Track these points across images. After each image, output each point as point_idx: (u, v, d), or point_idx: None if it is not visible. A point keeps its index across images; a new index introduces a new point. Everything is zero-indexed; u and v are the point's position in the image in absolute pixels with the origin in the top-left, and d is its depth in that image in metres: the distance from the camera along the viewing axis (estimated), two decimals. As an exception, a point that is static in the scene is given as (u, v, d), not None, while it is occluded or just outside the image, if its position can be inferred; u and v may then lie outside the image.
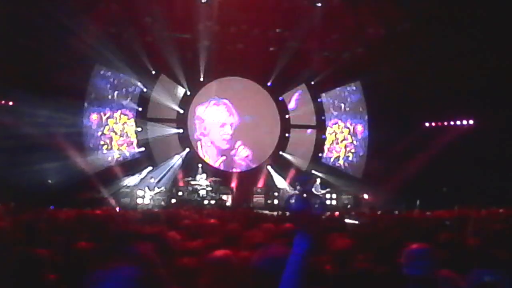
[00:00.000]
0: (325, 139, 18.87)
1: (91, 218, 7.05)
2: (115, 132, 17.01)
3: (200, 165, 16.28)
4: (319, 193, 16.44)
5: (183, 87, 17.58)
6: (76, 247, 3.61)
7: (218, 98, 18.12)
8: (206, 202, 15.49)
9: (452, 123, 17.39)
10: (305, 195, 1.79)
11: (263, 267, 2.03)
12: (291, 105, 18.74)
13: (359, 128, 18.79)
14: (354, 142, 18.83)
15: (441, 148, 15.38)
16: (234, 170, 18.01)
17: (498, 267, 2.58)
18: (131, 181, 16.17)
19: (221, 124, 18.18)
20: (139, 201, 15.36)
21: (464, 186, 14.15)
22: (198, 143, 17.94)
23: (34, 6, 12.63)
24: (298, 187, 16.29)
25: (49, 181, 14.28)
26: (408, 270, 2.79)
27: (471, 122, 16.91)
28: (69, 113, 14.66)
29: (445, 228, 5.78)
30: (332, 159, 18.87)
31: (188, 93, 17.73)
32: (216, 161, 17.98)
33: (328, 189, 16.69)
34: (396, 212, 12.10)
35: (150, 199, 15.40)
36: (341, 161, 18.80)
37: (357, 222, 7.47)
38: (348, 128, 18.90)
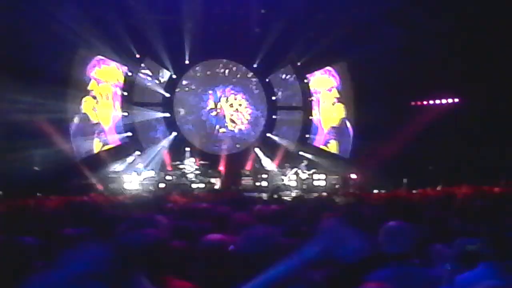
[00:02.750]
0: (311, 119, 18.90)
1: (78, 204, 7.03)
2: (101, 117, 16.82)
3: (188, 149, 16.25)
4: (305, 174, 16.57)
5: (168, 70, 17.42)
6: (63, 233, 3.60)
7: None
8: (195, 186, 15.51)
9: (438, 101, 17.52)
10: None
11: (248, 249, 2.05)
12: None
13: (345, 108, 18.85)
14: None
15: (427, 126, 15.52)
16: (221, 153, 17.98)
17: (479, 237, 2.64)
18: (118, 166, 16.08)
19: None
20: (127, 186, 15.32)
21: (450, 164, 14.35)
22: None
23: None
24: (288, 172, 16.42)
25: (36, 168, 14.14)
26: (386, 248, 2.80)
27: (456, 100, 17.04)
28: (54, 98, 14.43)
29: (432, 206, 5.86)
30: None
31: (174, 76, 17.58)
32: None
33: (314, 170, 16.79)
34: (383, 191, 12.25)
35: (138, 184, 15.36)
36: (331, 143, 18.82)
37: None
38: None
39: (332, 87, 18.87)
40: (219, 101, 18.18)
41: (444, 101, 17.34)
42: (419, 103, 17.75)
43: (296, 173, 16.49)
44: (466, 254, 2.44)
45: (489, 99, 14.36)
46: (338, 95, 18.86)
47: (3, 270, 2.64)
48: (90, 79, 16.41)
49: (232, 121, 18.32)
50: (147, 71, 17.21)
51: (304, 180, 16.46)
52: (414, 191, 10.90)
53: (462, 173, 12.58)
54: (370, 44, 15.04)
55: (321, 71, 18.64)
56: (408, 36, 14.73)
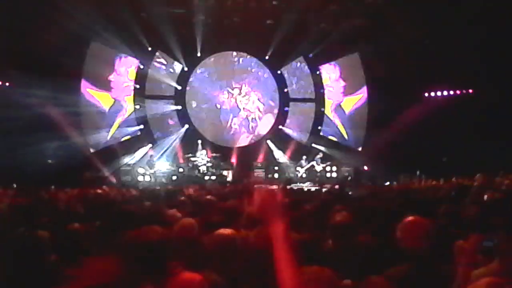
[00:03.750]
0: (323, 111, 18.79)
1: (92, 197, 7.07)
2: (114, 110, 16.90)
3: (200, 141, 16.29)
4: (320, 166, 16.55)
5: (180, 63, 17.42)
6: (74, 228, 3.62)
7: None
8: (207, 178, 15.56)
9: (452, 92, 17.31)
10: None
11: (261, 247, 2.03)
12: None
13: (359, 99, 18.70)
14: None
15: (441, 118, 15.34)
16: (235, 145, 17.98)
17: (496, 233, 2.59)
18: (131, 159, 16.19)
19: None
20: (140, 178, 15.42)
21: (464, 156, 14.17)
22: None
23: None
24: (304, 164, 16.37)
25: (49, 161, 14.28)
26: (404, 244, 2.77)
27: (470, 91, 16.81)
28: (67, 92, 14.52)
29: (446, 199, 5.79)
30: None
31: (186, 69, 17.58)
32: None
33: (328, 163, 16.75)
34: (395, 183, 12.15)
35: (151, 177, 15.44)
36: (343, 132, 18.67)
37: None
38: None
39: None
40: (232, 93, 18.14)
41: (458, 92, 17.12)
42: (432, 94, 17.55)
43: (312, 166, 16.50)
44: (482, 250, 2.39)
45: (502, 91, 14.12)
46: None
47: (16, 263, 2.66)
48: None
49: (246, 112, 18.25)
50: (160, 64, 17.22)
51: (318, 172, 16.44)
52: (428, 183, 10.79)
53: (476, 165, 12.42)
54: (383, 36, 14.87)
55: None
56: (421, 28, 14.53)
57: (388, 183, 12.90)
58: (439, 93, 17.48)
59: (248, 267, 2.56)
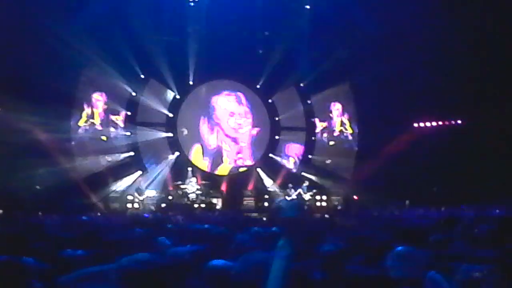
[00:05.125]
0: (314, 140, 18.89)
1: (79, 224, 6.98)
2: (104, 137, 16.84)
3: (190, 169, 16.24)
4: (307, 194, 16.52)
5: (172, 91, 17.50)
6: (63, 254, 3.56)
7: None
8: (196, 205, 15.44)
9: (441, 123, 17.53)
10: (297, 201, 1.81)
11: (246, 275, 2.01)
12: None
13: (349, 129, 18.86)
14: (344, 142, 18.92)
15: (431, 148, 15.49)
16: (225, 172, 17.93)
17: (486, 264, 2.59)
18: (120, 186, 16.05)
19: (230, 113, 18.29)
20: (129, 206, 15.26)
21: (454, 186, 14.26)
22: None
23: (19, 9, 12.52)
24: (292, 193, 16.33)
25: (37, 187, 14.11)
26: (394, 273, 2.76)
27: (459, 122, 17.05)
28: (57, 118, 14.50)
29: (435, 228, 5.79)
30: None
31: (178, 97, 17.66)
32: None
33: (314, 191, 16.73)
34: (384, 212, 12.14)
35: (140, 204, 15.30)
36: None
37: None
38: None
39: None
40: (223, 120, 18.19)
41: (447, 122, 17.35)
42: (421, 124, 17.76)
43: (299, 194, 16.45)
44: (471, 281, 2.39)
45: (492, 120, 14.34)
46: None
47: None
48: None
49: (235, 141, 18.28)
50: (151, 92, 17.27)
51: (306, 201, 16.40)
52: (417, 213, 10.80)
53: (466, 194, 12.50)
54: (373, 65, 15.12)
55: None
56: (411, 57, 14.82)
57: (377, 212, 12.88)
58: (428, 124, 17.69)
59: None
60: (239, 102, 18.39)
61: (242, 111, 18.41)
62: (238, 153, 18.25)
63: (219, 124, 18.12)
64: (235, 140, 18.28)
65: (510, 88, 13.97)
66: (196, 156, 17.79)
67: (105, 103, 16.79)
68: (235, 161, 18.21)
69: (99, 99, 16.73)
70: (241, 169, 18.06)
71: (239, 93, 18.38)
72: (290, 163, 18.58)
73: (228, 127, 18.20)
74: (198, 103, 18.07)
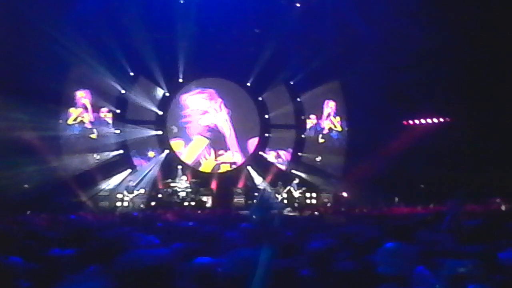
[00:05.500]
0: (304, 138, 18.94)
1: (67, 223, 6.93)
2: (93, 134, 16.75)
3: (179, 167, 16.21)
4: (297, 191, 16.57)
5: (162, 88, 17.43)
6: (51, 254, 3.54)
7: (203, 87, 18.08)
8: (186, 203, 15.41)
9: (429, 120, 17.65)
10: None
11: (232, 271, 2.02)
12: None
13: (338, 126, 18.93)
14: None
15: (419, 145, 15.59)
16: (215, 170, 17.90)
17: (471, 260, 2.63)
18: (109, 184, 15.97)
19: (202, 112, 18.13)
20: (118, 204, 15.19)
21: (441, 183, 14.37)
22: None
23: (6, 7, 12.39)
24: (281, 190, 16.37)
25: (25, 186, 13.99)
26: (382, 269, 2.78)
27: (448, 119, 17.17)
28: (45, 116, 14.38)
29: (423, 224, 5.85)
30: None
31: (167, 94, 17.59)
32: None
33: (304, 188, 16.78)
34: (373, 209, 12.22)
35: (129, 202, 15.23)
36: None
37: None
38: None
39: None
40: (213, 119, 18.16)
41: (435, 120, 17.48)
42: (411, 121, 17.87)
43: (289, 191, 16.49)
44: (456, 276, 2.42)
45: (479, 118, 14.48)
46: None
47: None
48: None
49: (226, 139, 18.27)
50: (141, 89, 17.17)
51: (296, 198, 16.45)
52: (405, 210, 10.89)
53: (453, 192, 12.58)
54: (363, 63, 15.18)
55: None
56: (400, 55, 14.89)
57: (366, 209, 12.96)
58: (417, 121, 17.80)
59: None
60: (211, 99, 18.30)
61: (217, 106, 18.32)
62: (221, 149, 18.21)
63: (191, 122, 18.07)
64: (214, 137, 18.23)
65: (498, 86, 14.09)
66: (195, 148, 17.77)
67: (94, 101, 16.70)
68: (217, 158, 18.16)
69: (88, 96, 16.65)
70: (222, 166, 18.03)
71: (210, 90, 18.28)
72: (280, 161, 18.61)
73: (200, 126, 18.13)
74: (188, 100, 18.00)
